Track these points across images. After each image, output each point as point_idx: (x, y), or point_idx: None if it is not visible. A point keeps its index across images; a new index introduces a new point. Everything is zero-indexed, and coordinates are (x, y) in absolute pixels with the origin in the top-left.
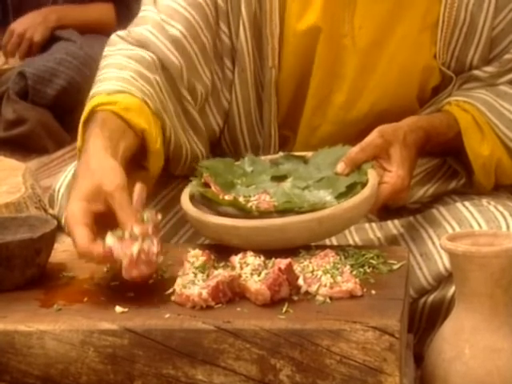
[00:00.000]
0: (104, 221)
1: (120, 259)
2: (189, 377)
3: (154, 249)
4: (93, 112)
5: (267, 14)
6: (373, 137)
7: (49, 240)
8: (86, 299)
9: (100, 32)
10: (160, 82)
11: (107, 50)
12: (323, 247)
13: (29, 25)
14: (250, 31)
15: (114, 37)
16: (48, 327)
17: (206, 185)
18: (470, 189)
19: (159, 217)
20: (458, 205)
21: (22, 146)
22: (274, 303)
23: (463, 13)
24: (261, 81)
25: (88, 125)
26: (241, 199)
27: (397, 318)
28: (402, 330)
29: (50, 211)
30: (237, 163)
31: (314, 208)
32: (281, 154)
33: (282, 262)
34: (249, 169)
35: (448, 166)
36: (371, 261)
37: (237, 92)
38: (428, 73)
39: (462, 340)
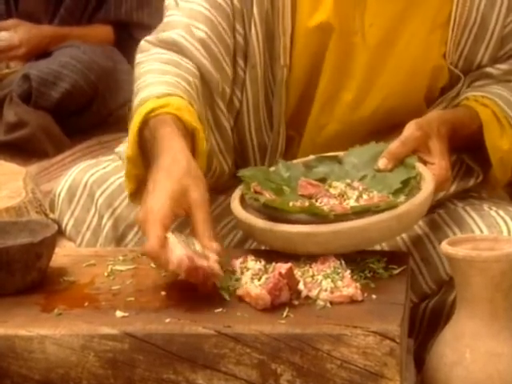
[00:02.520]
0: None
1: (182, 270)
2: (189, 381)
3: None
4: (148, 118)
5: (279, 13)
6: (411, 130)
7: (49, 244)
8: (86, 304)
9: None
10: (198, 86)
11: (140, 57)
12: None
13: (25, 40)
14: (261, 29)
15: (144, 43)
16: (48, 332)
17: (257, 194)
18: (484, 187)
19: None
20: (459, 209)
21: (23, 150)
22: (274, 308)
23: (474, 13)
24: (270, 80)
25: (145, 131)
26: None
27: (397, 323)
28: (402, 334)
29: (51, 215)
30: (271, 169)
31: (390, 206)
32: (312, 156)
33: (283, 267)
34: (285, 174)
35: (460, 164)
36: (372, 265)
37: (247, 90)
38: (437, 72)
39: (462, 345)
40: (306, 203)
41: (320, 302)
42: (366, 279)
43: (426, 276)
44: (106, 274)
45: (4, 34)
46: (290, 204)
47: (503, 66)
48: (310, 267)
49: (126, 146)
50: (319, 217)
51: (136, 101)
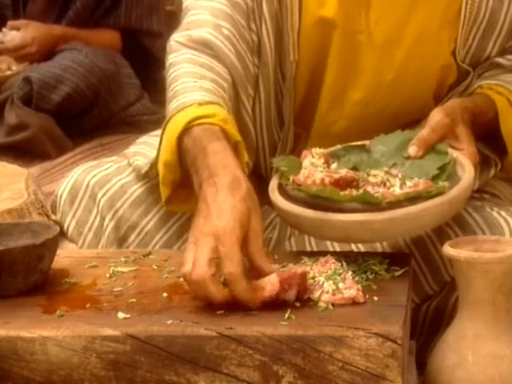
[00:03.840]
0: None
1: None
2: (191, 383)
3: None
4: (190, 126)
5: (288, 9)
6: (440, 117)
7: (51, 246)
8: (88, 305)
9: None
10: (229, 91)
11: (172, 57)
12: (325, 253)
13: (36, 39)
14: (271, 26)
15: (173, 43)
16: (50, 333)
17: (296, 184)
18: (501, 175)
19: None
20: (461, 211)
21: (25, 152)
22: (276, 303)
23: (484, 8)
24: (279, 77)
25: (185, 138)
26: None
27: (399, 325)
28: (404, 336)
29: (53, 217)
30: (300, 160)
31: (440, 191)
32: (338, 146)
33: (299, 270)
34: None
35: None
36: (374, 267)
37: (260, 88)
38: (446, 70)
39: (464, 347)
40: (354, 192)
41: (322, 304)
42: (367, 281)
43: (427, 277)
44: (107, 275)
45: (16, 33)
46: (341, 193)
47: None
48: (311, 269)
49: (163, 148)
50: (371, 205)
51: (174, 104)
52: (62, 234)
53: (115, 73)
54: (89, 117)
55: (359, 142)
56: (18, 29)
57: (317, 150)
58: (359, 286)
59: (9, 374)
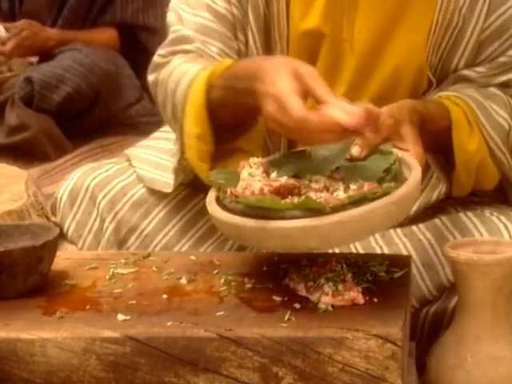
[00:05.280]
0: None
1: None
2: None
3: None
4: (209, 85)
5: (275, 17)
6: (383, 117)
7: (51, 248)
8: (88, 307)
9: None
10: None
11: (158, 72)
12: (325, 255)
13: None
14: (258, 35)
15: (157, 58)
16: (50, 335)
17: (234, 196)
18: (449, 197)
19: None
20: (461, 215)
21: (25, 153)
22: (275, 310)
23: (456, 16)
24: None
25: (214, 91)
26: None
27: (399, 327)
28: (404, 338)
29: (53, 219)
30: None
31: (386, 192)
32: (277, 155)
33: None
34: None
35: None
36: (373, 269)
37: None
38: (419, 77)
39: (464, 348)
40: (296, 199)
41: (322, 306)
42: (367, 283)
43: (427, 281)
44: (107, 277)
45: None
46: (282, 202)
47: (481, 69)
48: (311, 271)
49: (189, 126)
50: (314, 211)
51: (180, 89)
52: (62, 236)
53: (115, 73)
54: (89, 117)
55: (300, 149)
56: (14, 29)
57: (254, 160)
58: (359, 288)
59: (8, 376)
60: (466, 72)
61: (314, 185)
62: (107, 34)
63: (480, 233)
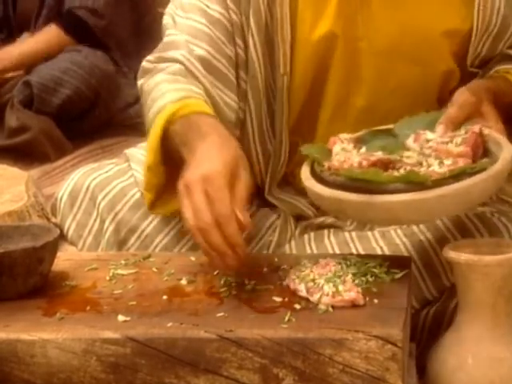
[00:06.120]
0: None
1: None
2: None
3: None
4: (170, 121)
5: (278, 22)
6: (466, 96)
7: (51, 249)
8: (88, 308)
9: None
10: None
11: (145, 79)
12: (325, 256)
13: None
14: (259, 39)
15: (146, 63)
16: (50, 336)
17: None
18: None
19: None
20: (462, 216)
21: (25, 154)
22: (275, 311)
23: (495, 17)
24: (272, 88)
25: (170, 132)
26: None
27: (399, 327)
28: (404, 339)
29: (53, 220)
30: (328, 147)
31: (483, 167)
32: (364, 131)
33: (474, 128)
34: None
35: None
36: (373, 270)
37: (249, 100)
38: (449, 75)
39: (464, 349)
40: (395, 173)
41: (322, 307)
42: (367, 283)
43: (427, 282)
44: (107, 278)
45: None
46: (384, 174)
47: None
48: (311, 271)
49: (143, 154)
50: (416, 184)
51: (153, 110)
52: (62, 237)
53: (114, 72)
54: (89, 118)
55: (384, 127)
56: None
57: (345, 135)
58: (359, 289)
59: (9, 377)
60: (508, 51)
61: (406, 160)
62: (45, 37)
63: (480, 234)
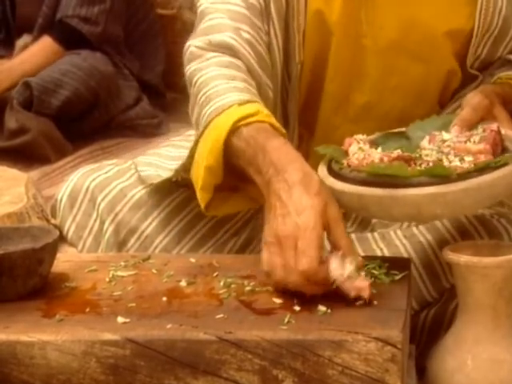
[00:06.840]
0: None
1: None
2: None
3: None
4: (236, 126)
5: (295, 9)
6: (479, 98)
7: (51, 250)
8: (87, 309)
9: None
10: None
11: (195, 64)
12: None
13: None
14: (279, 27)
15: (194, 49)
16: (50, 337)
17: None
18: None
19: None
20: (462, 217)
21: (24, 156)
22: (274, 313)
23: (496, 18)
24: (285, 77)
25: (234, 139)
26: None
27: (399, 329)
28: (404, 340)
29: (53, 221)
30: (344, 148)
31: (506, 161)
32: (377, 133)
33: (492, 126)
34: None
35: None
36: (373, 271)
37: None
38: (451, 75)
39: (464, 351)
40: (419, 166)
41: (321, 308)
42: None
43: (427, 284)
44: (107, 279)
45: None
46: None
47: None
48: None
49: (203, 156)
50: (440, 178)
51: (210, 109)
52: (62, 238)
53: (113, 74)
54: (89, 120)
55: (396, 130)
56: None
57: (360, 136)
58: (369, 280)
59: (8, 379)
60: (510, 57)
61: (425, 157)
62: (45, 44)
63: (480, 235)
